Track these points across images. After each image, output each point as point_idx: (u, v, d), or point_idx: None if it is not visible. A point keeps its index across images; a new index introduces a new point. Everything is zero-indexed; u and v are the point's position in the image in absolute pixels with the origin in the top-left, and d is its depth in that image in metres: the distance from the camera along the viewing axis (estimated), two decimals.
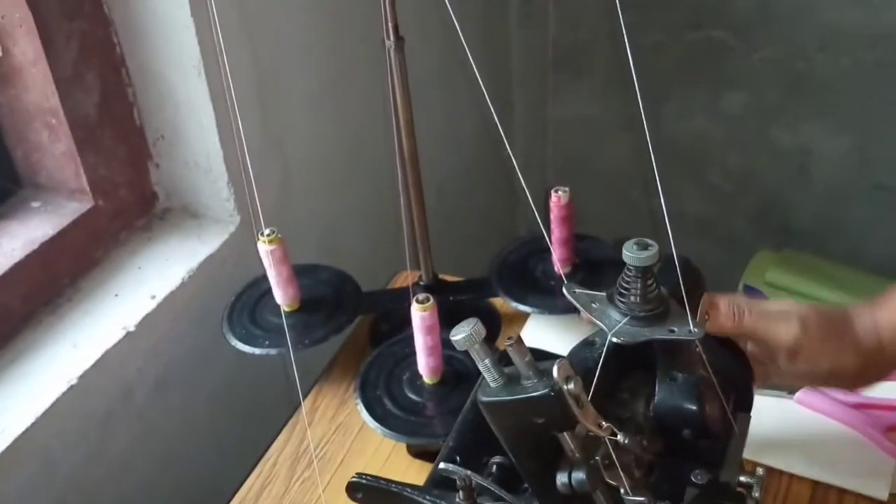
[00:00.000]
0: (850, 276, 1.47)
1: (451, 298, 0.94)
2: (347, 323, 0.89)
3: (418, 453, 0.83)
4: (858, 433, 0.80)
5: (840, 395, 0.83)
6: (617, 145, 1.62)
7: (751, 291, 1.48)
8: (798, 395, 0.83)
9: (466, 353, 0.45)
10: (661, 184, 1.74)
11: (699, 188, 1.70)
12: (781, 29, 1.47)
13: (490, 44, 1.58)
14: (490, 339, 0.94)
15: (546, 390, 0.42)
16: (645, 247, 0.51)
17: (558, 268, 0.91)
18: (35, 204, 0.92)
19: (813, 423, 0.82)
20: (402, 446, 0.83)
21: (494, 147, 1.53)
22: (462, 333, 0.44)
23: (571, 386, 0.43)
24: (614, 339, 0.50)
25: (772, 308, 0.66)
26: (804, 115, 1.54)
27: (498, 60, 1.63)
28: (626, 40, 0.60)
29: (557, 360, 0.43)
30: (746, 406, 0.63)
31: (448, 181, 1.46)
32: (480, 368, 0.45)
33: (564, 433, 0.45)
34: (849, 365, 0.65)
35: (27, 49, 0.83)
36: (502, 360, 0.46)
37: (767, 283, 1.47)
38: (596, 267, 0.92)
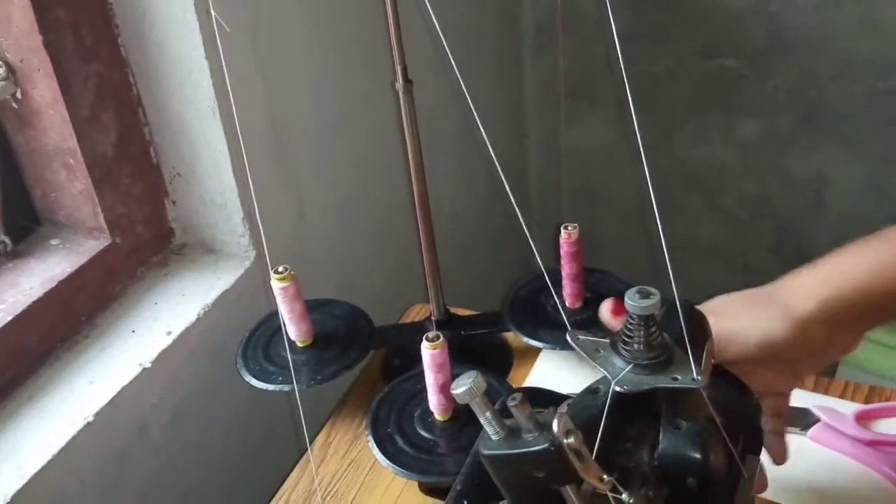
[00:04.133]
0: None
1: (462, 333, 0.95)
2: (359, 359, 0.89)
3: (430, 490, 0.83)
4: (873, 470, 0.80)
5: (854, 431, 0.82)
6: (631, 172, 1.63)
7: None
8: (811, 431, 0.83)
9: None
10: (676, 209, 1.75)
11: (715, 214, 1.70)
12: (794, 58, 1.47)
13: (503, 75, 1.59)
14: (502, 373, 0.95)
15: (546, 445, 0.43)
16: (647, 295, 0.51)
17: (566, 304, 0.91)
18: (54, 241, 0.94)
19: (826, 460, 0.81)
20: (414, 483, 0.83)
21: (508, 178, 1.54)
22: (463, 387, 0.45)
23: (572, 440, 0.43)
24: (617, 388, 0.51)
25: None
26: (819, 143, 1.54)
27: (512, 91, 1.65)
28: (623, 71, 0.60)
29: (557, 414, 0.44)
30: (756, 447, 0.63)
31: (464, 211, 1.47)
32: (482, 421, 0.46)
33: (567, 486, 0.45)
34: (780, 332, 0.62)
35: (45, 92, 0.85)
36: (503, 411, 0.46)
37: None
38: None
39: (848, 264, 0.64)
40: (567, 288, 0.90)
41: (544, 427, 0.44)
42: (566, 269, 0.89)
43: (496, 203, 1.54)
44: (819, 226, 1.61)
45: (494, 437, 0.46)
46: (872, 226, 1.64)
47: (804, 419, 0.84)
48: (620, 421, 0.54)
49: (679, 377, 0.51)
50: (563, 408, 0.46)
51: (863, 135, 1.50)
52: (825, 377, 0.90)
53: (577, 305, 0.91)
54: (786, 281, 0.65)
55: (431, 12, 0.57)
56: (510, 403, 0.44)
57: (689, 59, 1.55)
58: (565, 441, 0.43)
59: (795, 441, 0.83)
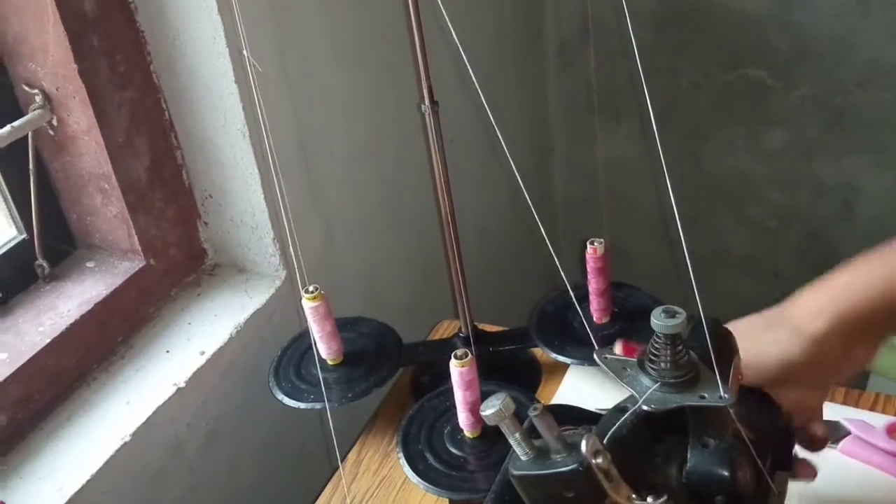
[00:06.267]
0: None
1: (490, 349, 0.95)
2: (389, 376, 0.90)
3: None
4: None
5: (885, 443, 0.82)
6: (658, 185, 1.63)
7: None
8: (842, 444, 0.83)
9: None
10: (704, 221, 1.74)
11: (743, 225, 1.69)
12: (819, 67, 1.47)
13: (528, 90, 1.60)
14: (531, 388, 0.96)
15: (575, 465, 0.44)
16: (673, 314, 0.52)
17: (594, 319, 0.92)
18: (89, 264, 0.96)
19: (858, 473, 0.81)
20: (445, 500, 0.84)
21: (534, 192, 1.54)
22: (492, 409, 0.45)
23: (600, 460, 0.44)
24: (645, 407, 0.51)
25: None
26: (846, 151, 1.53)
27: (536, 105, 1.66)
28: (644, 86, 0.61)
29: (586, 434, 0.45)
30: (786, 463, 0.63)
31: (489, 226, 1.48)
32: (511, 442, 0.46)
33: None
34: (797, 352, 0.62)
35: (81, 119, 0.87)
36: (532, 432, 0.47)
37: None
38: (634, 316, 0.93)
39: (857, 277, 0.64)
40: (594, 303, 0.91)
41: (573, 447, 0.45)
42: (593, 284, 0.90)
43: (522, 218, 1.54)
44: (849, 233, 1.60)
45: (524, 458, 0.46)
46: None
47: (835, 432, 0.84)
48: (648, 439, 0.54)
49: (706, 395, 0.52)
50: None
51: (891, 141, 1.49)
52: (855, 390, 0.90)
53: (605, 320, 0.92)
54: (795, 300, 0.65)
55: (456, 38, 0.58)
56: (532, 414, 0.45)
57: (713, 71, 1.55)
58: (594, 461, 0.44)
59: (826, 454, 0.82)
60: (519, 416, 0.48)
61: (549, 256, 0.61)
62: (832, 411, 0.86)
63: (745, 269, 1.72)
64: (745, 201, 1.67)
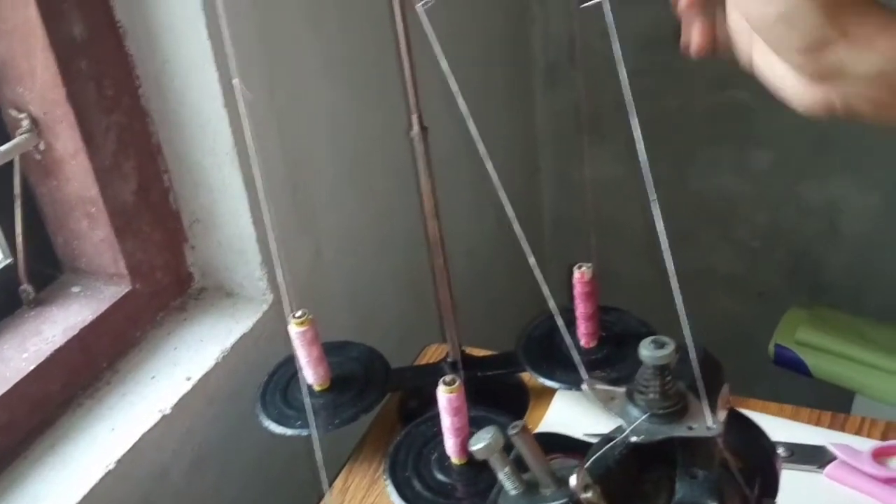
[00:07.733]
0: (883, 332, 1.46)
1: (478, 374, 0.95)
2: (377, 401, 0.90)
3: None
4: None
5: (871, 468, 0.82)
6: (644, 205, 1.63)
7: (782, 351, 1.47)
8: (827, 469, 0.83)
9: None
10: (690, 241, 1.74)
11: (728, 245, 1.70)
12: None
13: (515, 111, 1.61)
14: (519, 413, 0.96)
15: (564, 500, 0.44)
16: (662, 345, 0.52)
17: (581, 343, 0.92)
18: (75, 289, 0.95)
19: (843, 498, 0.81)
20: None
21: (521, 213, 1.54)
22: (481, 443, 0.45)
23: (590, 494, 0.44)
24: (633, 438, 0.51)
25: None
26: (832, 172, 1.55)
27: (524, 126, 1.66)
28: (633, 107, 0.61)
29: (576, 468, 0.45)
30: (772, 490, 0.63)
31: (477, 248, 1.48)
32: (500, 477, 0.46)
33: None
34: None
35: (68, 143, 0.87)
36: (521, 465, 0.47)
37: (797, 342, 1.46)
38: (622, 340, 0.93)
39: None
40: (581, 327, 0.91)
41: (562, 482, 0.45)
42: (580, 308, 0.90)
43: (509, 240, 1.54)
44: (834, 254, 1.62)
45: (513, 492, 0.46)
46: (888, 253, 1.63)
47: (820, 457, 0.84)
48: (637, 470, 0.54)
49: (694, 426, 0.52)
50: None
51: (876, 162, 1.51)
52: (841, 413, 0.90)
53: (593, 345, 0.92)
54: None
55: (446, 66, 0.58)
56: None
57: (700, 92, 1.56)
58: (583, 496, 0.44)
59: (812, 479, 0.83)
60: (507, 448, 0.48)
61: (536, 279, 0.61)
62: (817, 436, 0.86)
63: (730, 289, 1.73)
64: (731, 221, 1.68)
